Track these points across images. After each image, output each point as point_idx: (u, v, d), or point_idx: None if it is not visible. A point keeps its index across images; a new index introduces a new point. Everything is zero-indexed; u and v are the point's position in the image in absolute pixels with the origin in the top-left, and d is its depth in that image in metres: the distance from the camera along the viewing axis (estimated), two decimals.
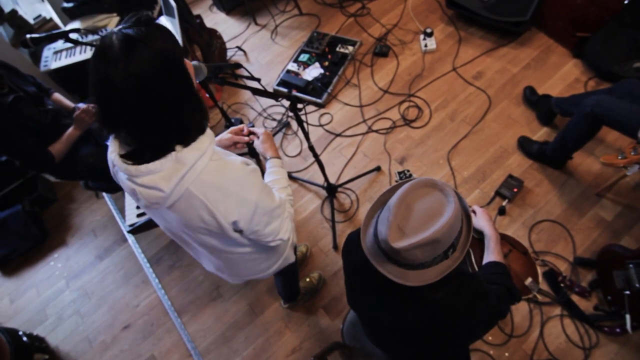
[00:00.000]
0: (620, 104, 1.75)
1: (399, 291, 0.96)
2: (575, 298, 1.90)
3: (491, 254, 1.30)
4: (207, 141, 0.93)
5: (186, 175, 0.89)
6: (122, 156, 0.89)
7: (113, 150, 0.92)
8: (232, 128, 1.37)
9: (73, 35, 1.80)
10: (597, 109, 1.77)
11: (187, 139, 0.89)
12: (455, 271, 0.93)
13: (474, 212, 1.47)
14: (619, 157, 1.33)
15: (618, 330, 1.78)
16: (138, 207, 2.00)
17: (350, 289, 1.22)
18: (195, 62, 1.05)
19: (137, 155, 0.89)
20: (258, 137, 1.36)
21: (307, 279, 2.15)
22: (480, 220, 1.41)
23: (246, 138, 1.35)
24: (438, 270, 0.91)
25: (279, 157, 1.35)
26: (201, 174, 0.91)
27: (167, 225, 1.11)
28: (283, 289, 1.98)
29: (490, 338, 1.89)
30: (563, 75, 2.51)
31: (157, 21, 0.86)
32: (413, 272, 0.91)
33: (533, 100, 2.40)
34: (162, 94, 0.81)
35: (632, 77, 2.24)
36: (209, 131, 0.97)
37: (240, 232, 1.08)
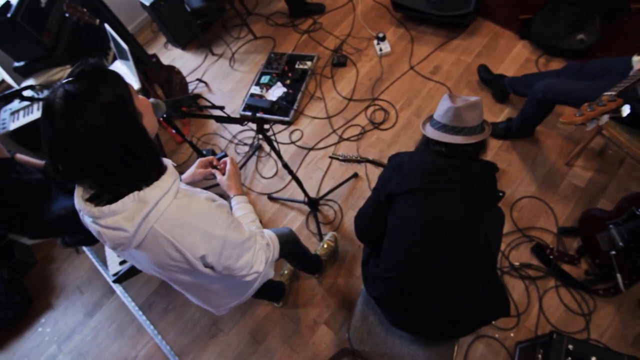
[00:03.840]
0: (567, 85, 1.85)
1: (459, 178, 1.27)
2: (566, 267, 1.94)
3: None
4: (170, 180, 0.94)
5: (150, 214, 0.89)
6: (86, 200, 0.90)
7: (78, 195, 0.92)
8: (199, 160, 1.37)
9: (27, 93, 1.78)
10: (547, 95, 1.87)
11: (145, 180, 0.90)
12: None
13: None
14: (577, 115, 1.40)
15: (612, 291, 1.82)
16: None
17: (409, 203, 1.31)
18: (152, 100, 1.05)
19: (100, 197, 0.90)
20: (224, 173, 1.35)
21: (325, 245, 2.19)
22: None
23: (214, 172, 1.36)
24: (481, 136, 1.32)
25: (242, 194, 1.35)
26: (165, 212, 0.92)
27: (140, 266, 1.10)
28: (299, 266, 2.04)
29: (493, 322, 1.90)
30: (514, 57, 2.62)
31: (110, 66, 0.87)
32: (471, 136, 1.30)
33: (488, 79, 2.49)
34: (112, 146, 0.82)
35: (578, 49, 2.36)
36: (172, 170, 0.97)
37: (211, 268, 1.07)
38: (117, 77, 0.87)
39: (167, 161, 1.02)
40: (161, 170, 0.94)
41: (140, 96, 0.94)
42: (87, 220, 0.93)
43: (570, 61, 2.00)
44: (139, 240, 0.91)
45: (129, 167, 0.86)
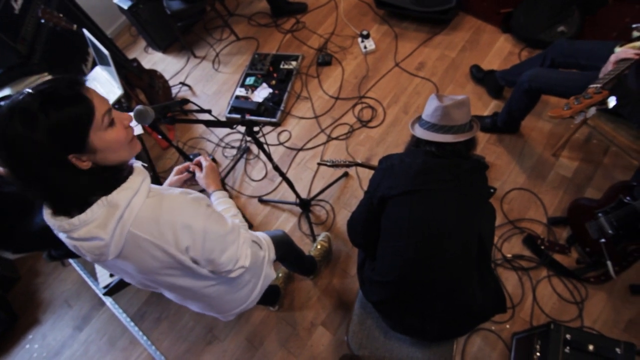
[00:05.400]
0: (553, 74, 1.87)
1: (451, 178, 1.27)
2: (557, 257, 1.97)
3: None
4: (138, 179, 0.90)
5: (123, 217, 0.85)
6: (54, 214, 0.86)
7: (46, 212, 0.87)
8: (175, 168, 1.35)
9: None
10: (533, 84, 1.89)
11: (94, 193, 0.85)
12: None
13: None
14: (565, 109, 1.42)
15: (603, 278, 1.86)
16: None
17: (402, 205, 1.30)
18: (140, 107, 1.02)
19: (65, 209, 0.85)
20: (201, 170, 1.32)
21: (318, 246, 2.18)
22: None
23: (189, 174, 1.33)
24: (470, 134, 1.33)
25: (221, 190, 1.33)
26: (140, 212, 0.88)
27: (129, 278, 1.06)
28: (295, 269, 2.02)
29: None
30: (497, 51, 2.64)
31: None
32: (460, 134, 1.30)
33: (480, 77, 2.52)
34: (43, 173, 0.79)
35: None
36: (139, 169, 0.94)
37: (197, 263, 1.03)
38: (77, 105, 0.80)
39: (135, 162, 0.98)
40: (109, 185, 0.87)
41: (114, 128, 0.86)
42: (61, 237, 0.88)
43: (560, 39, 2.01)
44: (118, 247, 0.87)
45: (56, 194, 0.83)
